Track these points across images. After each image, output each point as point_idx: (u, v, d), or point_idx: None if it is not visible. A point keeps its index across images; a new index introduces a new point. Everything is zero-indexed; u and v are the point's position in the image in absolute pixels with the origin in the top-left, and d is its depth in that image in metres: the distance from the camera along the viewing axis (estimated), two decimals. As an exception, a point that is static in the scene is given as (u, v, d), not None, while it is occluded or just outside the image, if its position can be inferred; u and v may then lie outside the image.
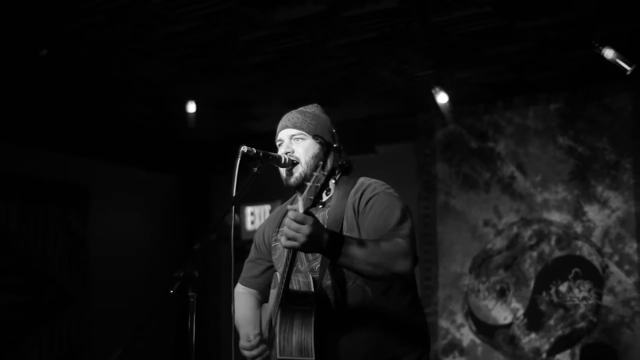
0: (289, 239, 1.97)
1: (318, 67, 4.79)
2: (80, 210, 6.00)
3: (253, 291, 2.65)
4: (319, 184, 1.93)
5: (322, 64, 4.73)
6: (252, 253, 2.65)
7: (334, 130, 2.43)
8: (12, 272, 5.48)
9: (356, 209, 2.29)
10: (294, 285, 2.23)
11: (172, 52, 4.48)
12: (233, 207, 2.25)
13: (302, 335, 2.15)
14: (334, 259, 2.04)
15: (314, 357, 2.13)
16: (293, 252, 2.11)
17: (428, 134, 5.81)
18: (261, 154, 2.26)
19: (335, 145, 2.40)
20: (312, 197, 1.94)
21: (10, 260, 5.47)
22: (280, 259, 2.46)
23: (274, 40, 4.27)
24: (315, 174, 1.96)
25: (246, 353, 2.36)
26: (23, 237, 5.57)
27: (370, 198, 2.28)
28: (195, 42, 4.30)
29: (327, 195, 2.34)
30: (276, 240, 2.50)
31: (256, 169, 2.26)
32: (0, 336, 5.34)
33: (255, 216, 6.40)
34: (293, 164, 2.33)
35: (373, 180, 2.37)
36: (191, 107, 5.23)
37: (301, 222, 1.95)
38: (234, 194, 2.23)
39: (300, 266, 2.35)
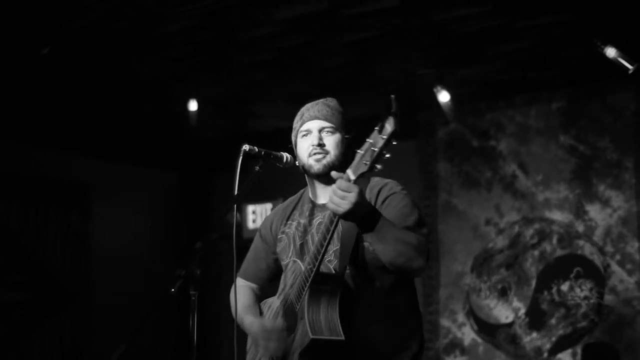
0: (333, 205, 2.00)
1: (319, 66, 4.79)
2: (82, 208, 5.99)
3: (254, 286, 2.61)
4: (376, 148, 1.89)
5: (323, 62, 4.72)
6: (257, 245, 2.61)
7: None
8: (14, 270, 5.48)
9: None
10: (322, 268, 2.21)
11: (173, 51, 4.47)
12: (235, 206, 2.25)
13: (328, 315, 2.15)
14: (367, 230, 2.07)
15: (343, 337, 2.13)
16: (331, 233, 2.10)
17: (429, 133, 5.80)
18: (263, 152, 2.27)
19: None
20: (367, 162, 1.90)
21: (12, 258, 5.47)
22: (285, 250, 2.45)
23: (275, 38, 4.26)
24: (368, 140, 1.91)
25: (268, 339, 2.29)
26: (25, 235, 5.56)
27: (389, 196, 2.29)
28: (197, 40, 4.30)
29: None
30: (283, 232, 2.49)
31: (258, 167, 2.27)
32: (1, 334, 5.33)
33: (257, 215, 6.40)
34: (295, 163, 2.33)
35: (389, 179, 2.37)
36: (192, 105, 5.24)
37: (346, 191, 1.97)
38: (235, 193, 2.23)
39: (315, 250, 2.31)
